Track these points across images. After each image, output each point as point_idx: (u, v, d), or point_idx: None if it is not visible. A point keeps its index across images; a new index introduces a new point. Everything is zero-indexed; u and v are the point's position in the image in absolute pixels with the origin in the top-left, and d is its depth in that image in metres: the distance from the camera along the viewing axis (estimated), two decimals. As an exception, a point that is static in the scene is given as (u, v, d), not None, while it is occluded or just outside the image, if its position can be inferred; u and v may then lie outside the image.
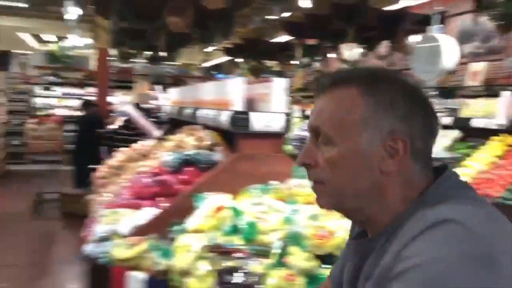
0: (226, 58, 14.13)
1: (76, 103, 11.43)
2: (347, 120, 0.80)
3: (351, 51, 7.76)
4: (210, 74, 15.42)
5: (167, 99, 7.41)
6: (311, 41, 7.17)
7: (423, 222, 0.70)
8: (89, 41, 10.06)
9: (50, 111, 10.95)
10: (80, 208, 6.79)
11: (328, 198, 0.84)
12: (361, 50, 7.39)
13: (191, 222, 2.06)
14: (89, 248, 2.17)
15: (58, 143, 7.00)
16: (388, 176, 0.80)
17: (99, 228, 2.24)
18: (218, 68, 16.20)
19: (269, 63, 10.95)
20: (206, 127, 2.95)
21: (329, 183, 0.83)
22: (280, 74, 10.31)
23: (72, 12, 7.01)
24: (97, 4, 5.70)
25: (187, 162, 2.51)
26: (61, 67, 11.75)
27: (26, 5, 10.08)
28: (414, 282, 0.66)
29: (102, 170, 4.06)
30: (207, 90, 3.04)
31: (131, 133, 6.34)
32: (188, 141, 2.75)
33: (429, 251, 0.67)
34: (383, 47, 6.59)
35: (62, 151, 7.15)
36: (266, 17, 6.71)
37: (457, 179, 0.82)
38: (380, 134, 0.79)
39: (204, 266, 1.79)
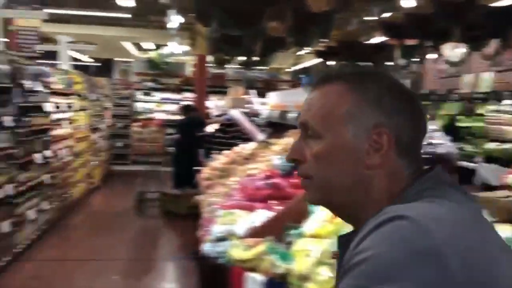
0: (315, 61, 14.07)
1: (173, 107, 12.00)
2: (334, 114, 0.83)
3: (454, 51, 7.36)
4: (298, 78, 15.43)
5: (262, 103, 7.51)
6: (410, 42, 6.90)
7: (380, 218, 0.71)
8: (187, 48, 10.50)
9: (149, 115, 11.60)
10: (178, 208, 7.14)
11: (316, 193, 0.85)
12: (464, 49, 6.98)
13: (308, 227, 2.05)
14: (207, 247, 2.23)
15: (159, 145, 7.36)
16: (373, 170, 0.81)
17: (216, 228, 2.30)
18: (306, 71, 16.16)
19: (362, 65, 10.72)
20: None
21: (316, 177, 0.84)
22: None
23: (174, 21, 7.35)
24: (198, 12, 5.92)
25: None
26: (159, 73, 12.38)
27: (129, 16, 10.76)
28: (359, 275, 0.67)
29: (206, 171, 4.20)
30: (314, 94, 3.02)
31: (227, 136, 6.51)
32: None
33: (375, 246, 0.68)
34: (491, 46, 6.16)
35: (163, 153, 7.51)
36: (365, 18, 6.57)
37: (441, 179, 0.82)
38: (365, 128, 0.81)
39: (325, 272, 1.77)
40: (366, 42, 8.96)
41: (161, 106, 11.99)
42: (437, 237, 0.67)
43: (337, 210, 0.88)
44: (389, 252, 0.66)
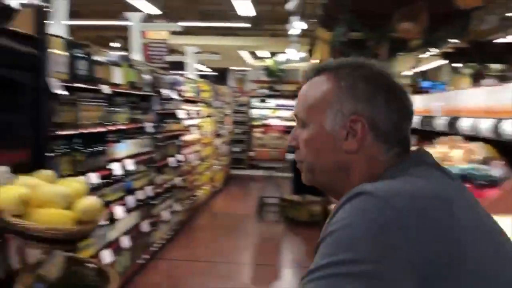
0: (436, 64, 13.28)
1: (287, 113, 12.07)
2: (315, 104, 0.91)
3: None
4: (417, 81, 14.69)
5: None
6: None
7: (348, 195, 0.77)
8: (303, 54, 10.51)
9: (264, 121, 11.80)
10: (299, 214, 7.10)
11: (307, 174, 0.95)
12: None
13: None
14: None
15: (280, 151, 7.44)
16: (351, 155, 0.88)
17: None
18: (426, 75, 15.36)
19: (492, 66, 9.91)
20: (468, 138, 2.69)
21: (305, 161, 0.94)
22: (503, 78, 9.23)
23: (296, 27, 7.38)
24: (324, 16, 5.86)
25: (461, 177, 2.30)
26: (275, 80, 12.56)
27: (248, 25, 11.05)
28: (327, 245, 0.73)
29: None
30: (469, 97, 2.78)
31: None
32: (455, 155, 2.54)
33: (340, 220, 0.74)
34: None
35: (283, 159, 7.57)
36: (505, 15, 6.02)
37: (421, 160, 0.86)
38: (342, 116, 0.88)
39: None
40: (499, 41, 8.26)
41: (275, 113, 12.14)
42: (396, 210, 0.71)
43: (326, 189, 0.96)
44: (351, 225, 0.72)
